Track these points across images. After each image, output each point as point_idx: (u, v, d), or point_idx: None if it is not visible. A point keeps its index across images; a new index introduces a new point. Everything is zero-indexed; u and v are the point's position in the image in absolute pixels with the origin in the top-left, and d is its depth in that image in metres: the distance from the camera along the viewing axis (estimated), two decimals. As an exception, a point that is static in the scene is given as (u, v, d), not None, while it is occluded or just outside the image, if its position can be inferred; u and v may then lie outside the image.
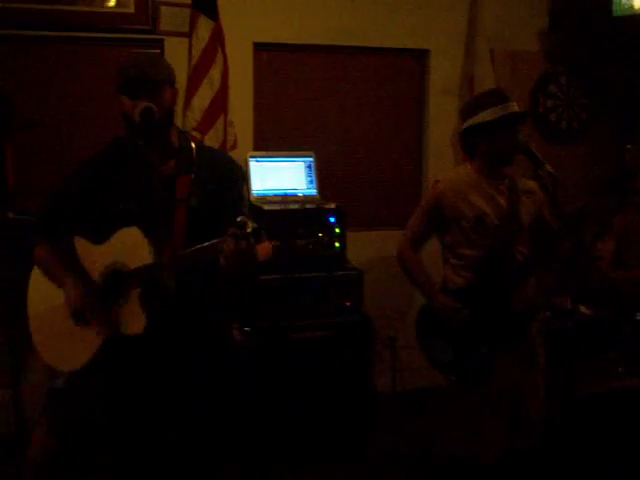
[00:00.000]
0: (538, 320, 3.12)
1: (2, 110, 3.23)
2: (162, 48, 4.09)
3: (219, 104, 4.03)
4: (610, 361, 3.51)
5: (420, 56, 4.68)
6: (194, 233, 2.36)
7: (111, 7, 3.95)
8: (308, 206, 4.02)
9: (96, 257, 2.38)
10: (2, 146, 3.19)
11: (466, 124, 3.03)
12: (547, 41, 4.84)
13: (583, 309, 3.62)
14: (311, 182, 4.27)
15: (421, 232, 3.16)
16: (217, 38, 4.00)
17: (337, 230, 4.03)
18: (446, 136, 4.69)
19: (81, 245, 2.42)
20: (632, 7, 4.48)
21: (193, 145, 2.49)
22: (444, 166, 4.63)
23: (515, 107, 2.95)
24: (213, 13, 3.98)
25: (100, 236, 2.39)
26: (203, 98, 4.00)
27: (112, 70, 3.92)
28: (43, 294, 2.48)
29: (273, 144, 4.39)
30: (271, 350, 3.73)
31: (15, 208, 3.43)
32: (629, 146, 3.27)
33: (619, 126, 5.06)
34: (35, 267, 2.51)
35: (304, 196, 4.18)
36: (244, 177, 2.64)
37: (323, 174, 4.32)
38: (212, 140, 3.99)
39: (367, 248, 4.47)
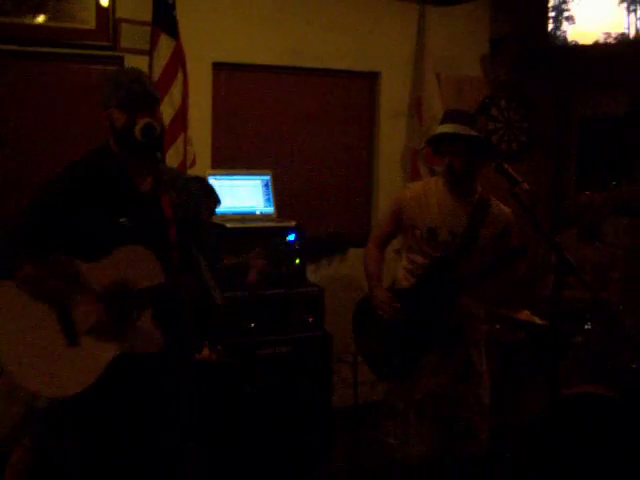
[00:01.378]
0: (480, 332, 3.24)
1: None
2: (122, 65, 4.05)
3: (179, 122, 4.05)
4: (562, 370, 3.72)
5: (371, 78, 4.83)
6: (183, 252, 2.40)
7: (72, 23, 3.90)
8: (269, 224, 4.09)
9: (91, 275, 2.27)
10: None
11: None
12: (488, 67, 5.09)
13: (538, 320, 3.81)
14: (268, 200, 4.32)
15: (386, 231, 3.31)
16: (178, 57, 4.01)
17: (297, 247, 4.11)
18: (396, 155, 4.85)
19: (70, 263, 2.28)
20: (566, 39, 4.79)
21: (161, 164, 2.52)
22: (393, 184, 4.81)
23: (464, 130, 3.01)
24: (174, 31, 3.99)
25: (89, 253, 2.28)
26: (164, 116, 3.99)
27: (72, 85, 4.02)
28: (17, 318, 2.25)
29: (231, 162, 4.43)
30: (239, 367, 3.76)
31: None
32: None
33: (554, 148, 5.37)
34: (2, 283, 2.25)
35: (262, 214, 4.23)
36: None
37: (279, 192, 4.38)
38: (172, 158, 4.00)
39: (323, 265, 4.55)
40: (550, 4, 4.73)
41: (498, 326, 4.12)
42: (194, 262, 2.09)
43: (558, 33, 4.78)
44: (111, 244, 2.29)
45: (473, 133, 3.04)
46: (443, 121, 3.12)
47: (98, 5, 3.97)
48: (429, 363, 3.11)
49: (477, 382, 3.17)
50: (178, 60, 4.01)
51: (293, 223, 4.12)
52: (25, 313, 2.26)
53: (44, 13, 3.87)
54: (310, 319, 4.02)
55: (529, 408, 3.67)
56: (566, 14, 4.71)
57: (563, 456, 3.30)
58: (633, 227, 4.76)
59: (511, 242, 3.18)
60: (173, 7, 3.97)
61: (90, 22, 3.96)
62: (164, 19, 3.98)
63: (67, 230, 2.32)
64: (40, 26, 3.86)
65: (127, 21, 4.03)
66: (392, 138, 4.83)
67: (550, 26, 4.76)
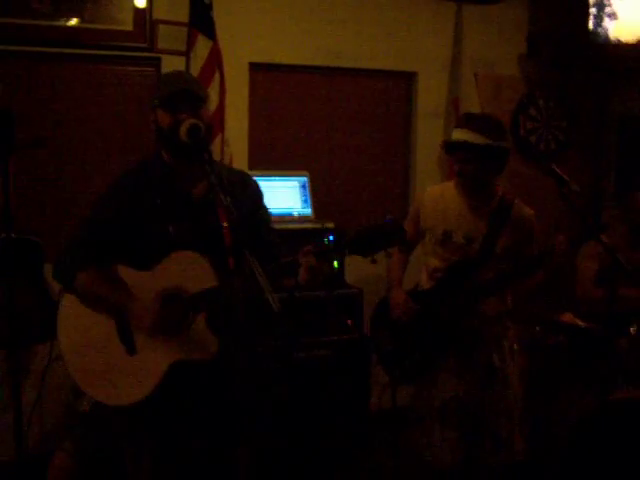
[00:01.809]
0: (505, 337, 3.15)
1: (5, 126, 3.13)
2: (159, 66, 4.06)
3: (216, 123, 4.01)
4: (604, 374, 3.64)
5: (408, 78, 4.78)
6: (238, 256, 2.35)
7: (110, 25, 3.90)
8: (307, 225, 4.05)
9: (144, 283, 2.29)
10: (5, 164, 3.09)
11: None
12: (526, 66, 5.00)
13: (581, 323, 3.73)
14: (306, 201, 4.28)
15: (409, 235, 3.18)
16: (215, 57, 3.99)
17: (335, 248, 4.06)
18: (433, 157, 4.77)
19: (124, 272, 2.33)
20: (607, 36, 4.70)
21: (219, 166, 2.47)
22: (430, 186, 4.72)
23: (478, 139, 2.91)
24: (211, 32, 3.98)
25: (143, 262, 2.31)
26: (201, 117, 4.00)
27: (110, 88, 4.01)
28: (81, 327, 2.34)
29: (267, 163, 4.40)
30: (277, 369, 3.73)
31: (15, 228, 3.35)
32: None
33: (593, 148, 5.27)
34: (64, 300, 2.36)
35: (299, 215, 4.19)
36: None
37: (315, 193, 4.34)
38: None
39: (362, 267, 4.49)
40: (591, 1, 4.64)
41: (538, 328, 4.05)
42: (249, 264, 2.05)
43: (599, 30, 4.69)
44: (164, 252, 2.29)
45: (482, 141, 2.91)
46: (457, 126, 3.03)
47: (135, 7, 3.96)
48: (448, 368, 3.05)
49: (502, 387, 3.08)
50: (215, 61, 3.99)
51: (332, 225, 4.08)
52: (88, 323, 2.33)
53: (82, 15, 3.87)
54: (349, 321, 3.99)
55: (573, 413, 3.59)
56: (608, 10, 4.62)
57: (610, 463, 3.24)
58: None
59: (531, 246, 3.09)
60: (210, 8, 3.95)
61: (127, 24, 3.95)
62: (201, 20, 3.96)
63: (121, 240, 2.34)
64: (78, 28, 3.87)
65: (164, 22, 4.02)
66: (429, 138, 4.75)
67: (591, 23, 4.66)
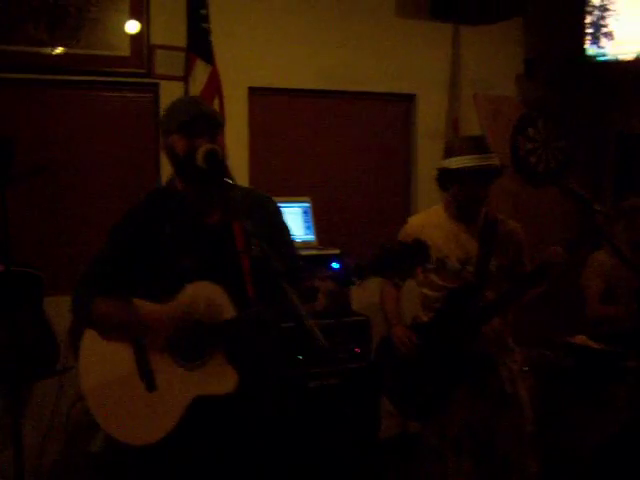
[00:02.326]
0: (514, 360, 3.12)
1: (3, 154, 3.04)
2: (157, 92, 3.99)
3: (217, 149, 3.95)
4: (614, 395, 3.58)
5: (407, 100, 4.74)
6: (258, 282, 2.27)
7: (106, 50, 3.82)
8: (312, 252, 3.96)
9: (160, 316, 2.21)
10: (2, 193, 2.99)
11: (441, 164, 3.09)
12: (523, 86, 5.00)
13: (594, 344, 3.66)
14: (309, 227, 4.20)
15: None
16: (214, 82, 3.93)
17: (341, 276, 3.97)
18: (433, 179, 4.71)
19: (139, 305, 2.24)
20: (604, 54, 4.70)
21: (236, 189, 2.38)
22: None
23: (487, 160, 2.94)
24: (209, 57, 3.92)
25: (158, 294, 2.23)
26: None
27: (107, 114, 3.93)
28: (102, 365, 2.26)
29: (269, 189, 4.30)
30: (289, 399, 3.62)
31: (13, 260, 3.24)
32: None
33: (592, 166, 5.26)
34: (85, 339, 2.29)
35: (303, 242, 4.10)
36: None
37: (317, 219, 4.26)
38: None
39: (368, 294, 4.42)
40: (587, 21, 4.65)
41: (548, 352, 3.99)
42: (280, 292, 1.96)
43: (596, 49, 4.69)
44: (179, 283, 2.21)
45: (494, 161, 2.98)
46: (463, 153, 2.97)
47: (133, 32, 3.89)
48: (461, 397, 2.98)
49: (515, 411, 3.02)
50: (214, 86, 3.93)
51: (337, 251, 4.00)
52: (108, 361, 2.26)
53: (78, 41, 3.78)
54: (357, 349, 3.89)
55: (589, 436, 3.52)
56: (604, 30, 4.63)
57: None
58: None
59: (523, 259, 3.09)
60: (208, 32, 3.90)
61: (124, 49, 3.88)
62: (199, 44, 3.91)
63: (134, 273, 2.27)
64: (74, 55, 3.78)
65: (162, 47, 3.95)
66: (429, 160, 4.68)
67: (588, 43, 4.66)
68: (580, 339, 3.76)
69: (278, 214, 2.47)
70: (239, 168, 4.15)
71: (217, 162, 2.19)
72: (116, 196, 3.97)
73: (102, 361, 2.25)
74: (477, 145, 2.99)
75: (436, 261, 3.01)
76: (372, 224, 4.73)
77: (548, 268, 2.89)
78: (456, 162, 2.98)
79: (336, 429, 3.79)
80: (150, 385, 2.20)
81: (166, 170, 3.95)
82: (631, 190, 4.96)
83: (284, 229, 2.47)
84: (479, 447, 2.96)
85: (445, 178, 3.09)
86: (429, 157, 4.72)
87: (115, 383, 2.23)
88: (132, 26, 3.91)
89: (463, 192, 3.00)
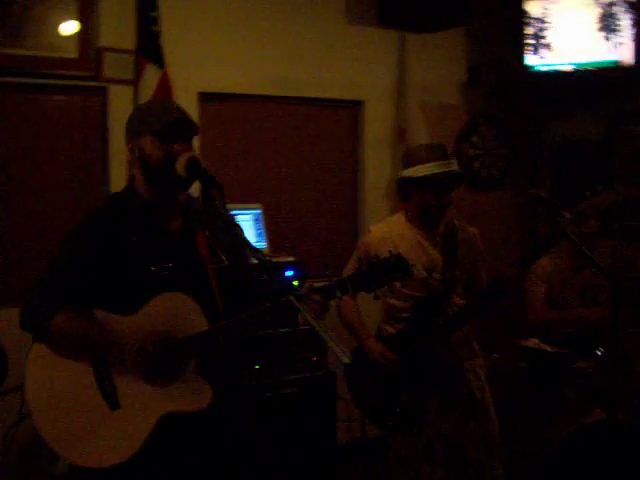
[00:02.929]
0: (480, 366, 3.19)
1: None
2: (106, 96, 3.86)
3: (168, 155, 3.85)
4: (565, 397, 3.68)
5: (355, 107, 4.75)
6: (226, 294, 2.21)
7: (53, 52, 3.67)
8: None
9: (127, 329, 2.07)
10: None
11: (403, 173, 3.09)
12: (467, 94, 5.10)
13: (548, 348, 3.75)
14: (260, 235, 4.15)
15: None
16: (165, 86, 3.83)
17: (296, 283, 3.95)
18: (382, 184, 4.76)
19: (103, 317, 2.09)
20: (544, 65, 4.84)
21: (194, 200, 2.30)
22: (380, 214, 4.71)
23: (449, 166, 2.98)
24: (160, 60, 3.82)
25: (123, 305, 2.10)
26: (151, 150, 3.81)
27: (53, 118, 3.76)
28: (52, 382, 2.07)
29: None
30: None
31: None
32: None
33: (531, 174, 5.41)
34: (32, 353, 2.09)
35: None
36: None
37: (268, 224, 4.22)
38: (162, 192, 3.80)
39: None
40: (527, 32, 4.77)
41: (496, 355, 4.06)
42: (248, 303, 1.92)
43: (536, 60, 4.83)
44: (146, 293, 2.09)
45: (456, 167, 3.02)
46: (426, 159, 2.99)
47: (80, 33, 3.75)
48: (433, 405, 3.00)
49: (484, 416, 3.09)
50: (165, 90, 3.83)
51: (291, 258, 3.97)
52: (60, 377, 2.08)
53: (23, 42, 3.61)
54: (314, 358, 3.87)
55: (544, 438, 3.60)
56: (543, 41, 4.77)
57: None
58: (615, 250, 4.81)
59: (479, 263, 3.16)
60: (158, 35, 3.81)
61: (72, 51, 3.73)
62: (149, 47, 3.81)
63: (96, 283, 2.11)
64: (20, 56, 3.61)
65: (111, 50, 3.82)
66: (377, 167, 4.75)
67: (528, 53, 4.80)
68: (533, 342, 3.83)
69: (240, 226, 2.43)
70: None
71: (198, 171, 2.13)
72: (63, 203, 3.82)
73: (54, 377, 2.07)
74: (438, 153, 3.02)
75: (374, 258, 2.99)
76: (322, 230, 4.72)
77: (501, 284, 2.94)
78: (420, 170, 2.98)
79: (294, 437, 3.76)
80: (113, 402, 2.05)
81: (116, 175, 3.88)
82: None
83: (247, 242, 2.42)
84: (451, 454, 2.98)
85: (407, 187, 3.09)
86: (377, 164, 4.77)
87: (70, 401, 2.05)
88: (71, 26, 3.77)
89: (427, 200, 3.01)
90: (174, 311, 2.09)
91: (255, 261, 1.94)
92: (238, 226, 2.02)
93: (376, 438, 3.86)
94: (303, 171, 4.62)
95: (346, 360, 1.69)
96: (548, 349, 3.78)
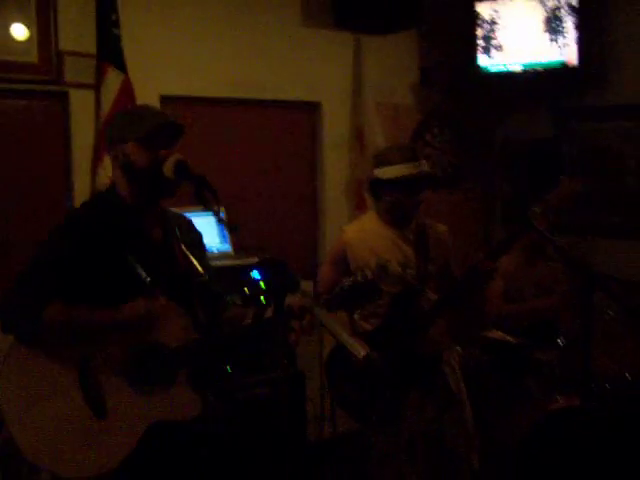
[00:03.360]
0: (452, 358, 3.29)
1: None
2: (67, 101, 3.81)
3: (132, 159, 3.82)
4: (529, 386, 3.81)
5: (312, 109, 4.81)
6: (205, 305, 2.23)
7: (12, 56, 3.59)
8: (231, 262, 3.90)
9: (108, 335, 2.06)
10: None
11: (375, 174, 3.15)
12: (420, 95, 5.21)
13: (512, 339, 3.87)
14: (223, 237, 4.14)
15: (334, 279, 3.08)
16: (127, 90, 3.80)
17: (262, 285, 3.96)
18: (341, 185, 4.83)
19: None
20: (494, 65, 4.99)
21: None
22: (340, 215, 4.79)
23: (419, 167, 3.06)
24: (122, 64, 3.78)
25: (105, 307, 2.07)
26: (114, 155, 3.77)
27: (11, 123, 3.68)
28: (32, 386, 2.01)
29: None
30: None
31: None
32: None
33: (482, 172, 5.56)
34: (11, 354, 2.02)
35: (219, 252, 4.04)
36: None
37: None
38: (127, 197, 3.76)
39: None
40: (478, 33, 4.91)
41: (458, 348, 4.15)
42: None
43: (487, 60, 4.97)
44: (128, 296, 2.07)
45: (426, 168, 3.11)
46: (392, 162, 3.07)
47: (40, 36, 3.67)
48: (412, 401, 3.07)
49: (460, 408, 3.18)
50: (128, 94, 3.79)
51: (256, 259, 3.98)
52: (44, 381, 2.02)
53: (-21, 45, 3.54)
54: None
55: (510, 428, 3.72)
56: (494, 43, 4.91)
57: (559, 471, 3.38)
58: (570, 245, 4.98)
59: (449, 260, 3.25)
60: (119, 39, 3.77)
61: (31, 55, 3.65)
62: (110, 51, 3.75)
63: (77, 287, 2.08)
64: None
65: (71, 54, 3.76)
66: (336, 168, 4.81)
67: (479, 54, 4.93)
68: (496, 334, 3.96)
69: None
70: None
71: (187, 173, 2.16)
72: (18, 212, 3.73)
73: (34, 379, 2.02)
74: (408, 153, 3.10)
75: (377, 267, 3.06)
76: (282, 231, 4.73)
77: (477, 273, 3.04)
78: (389, 172, 3.06)
79: (265, 437, 3.77)
80: (100, 411, 2.02)
81: (79, 184, 3.82)
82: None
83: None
84: (430, 447, 3.05)
85: (378, 188, 3.17)
86: (336, 165, 4.84)
87: (51, 410, 2.00)
88: (30, 30, 3.69)
89: (398, 200, 3.09)
90: (163, 319, 2.08)
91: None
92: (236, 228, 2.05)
93: (345, 436, 3.95)
94: (263, 172, 4.64)
95: (363, 353, 1.72)
96: (512, 340, 3.92)
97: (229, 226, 2.11)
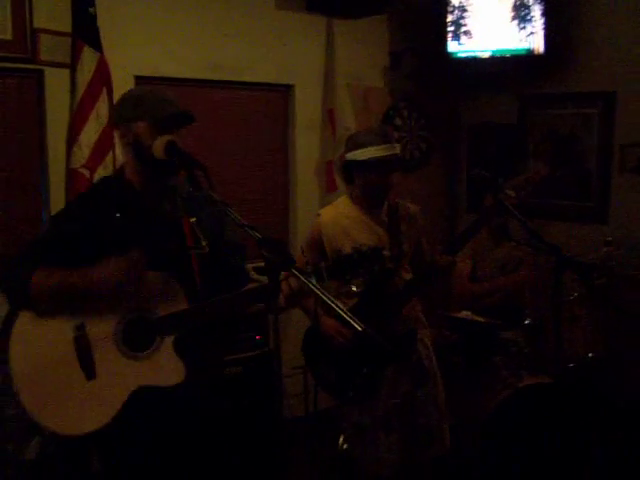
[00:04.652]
0: (426, 336, 3.39)
1: None
2: (42, 79, 3.76)
3: (107, 140, 3.80)
4: (496, 365, 3.94)
5: (285, 91, 4.84)
6: (207, 279, 2.30)
7: (-15, 34, 3.54)
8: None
9: (109, 304, 2.18)
10: None
11: (347, 157, 3.24)
12: (389, 78, 5.28)
13: (480, 319, 3.99)
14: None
15: (310, 263, 3.27)
16: (102, 70, 3.78)
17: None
18: (312, 166, 4.88)
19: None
20: (463, 51, 5.08)
21: (183, 185, 2.39)
22: (310, 196, 4.86)
23: (392, 150, 3.14)
24: (97, 44, 3.76)
25: None
26: (90, 134, 3.75)
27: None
28: (36, 350, 2.16)
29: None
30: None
31: None
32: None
33: (449, 156, 5.67)
34: (18, 322, 2.16)
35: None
36: None
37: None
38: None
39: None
40: (448, 19, 4.99)
41: (441, 328, 4.25)
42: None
43: (457, 46, 5.06)
44: None
45: (397, 150, 3.18)
46: (369, 143, 3.13)
47: (15, 14, 3.62)
48: (387, 376, 3.18)
49: (432, 384, 3.30)
50: (103, 75, 3.78)
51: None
52: (44, 346, 2.17)
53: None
54: (258, 337, 3.97)
55: (479, 405, 3.85)
56: (464, 28, 5.00)
57: (527, 445, 3.53)
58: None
59: (421, 239, 3.35)
60: (95, 18, 3.74)
61: (5, 32, 3.59)
62: (86, 30, 3.73)
63: (80, 259, 2.18)
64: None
65: (46, 31, 3.71)
66: (307, 150, 4.86)
67: (449, 40, 5.02)
68: (465, 314, 4.08)
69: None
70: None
71: (177, 153, 2.20)
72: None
73: (37, 346, 2.16)
74: (381, 136, 3.15)
75: (352, 250, 3.13)
76: (254, 213, 4.76)
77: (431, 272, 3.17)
78: (363, 154, 3.13)
79: (242, 414, 3.85)
80: (89, 373, 2.16)
81: (54, 165, 3.80)
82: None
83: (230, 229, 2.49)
84: (405, 422, 3.16)
85: (351, 170, 3.23)
86: (307, 147, 4.88)
87: (51, 369, 2.15)
88: (4, 7, 3.63)
89: (371, 182, 3.17)
90: (156, 290, 2.19)
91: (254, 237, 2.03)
92: (228, 206, 2.11)
93: (321, 413, 4.04)
94: (235, 153, 4.66)
95: (359, 328, 1.80)
96: (480, 320, 4.05)
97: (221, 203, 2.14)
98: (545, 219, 5.03)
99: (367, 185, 3.18)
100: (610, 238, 4.28)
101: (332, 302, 1.82)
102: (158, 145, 2.19)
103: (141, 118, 2.21)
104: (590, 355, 3.86)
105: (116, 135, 2.32)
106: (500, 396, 3.64)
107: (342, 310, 1.82)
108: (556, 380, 3.53)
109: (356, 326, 1.77)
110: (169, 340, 2.18)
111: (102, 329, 2.17)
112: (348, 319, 1.78)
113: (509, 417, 3.56)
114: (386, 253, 3.23)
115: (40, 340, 2.15)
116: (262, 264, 1.95)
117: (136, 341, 2.17)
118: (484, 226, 3.41)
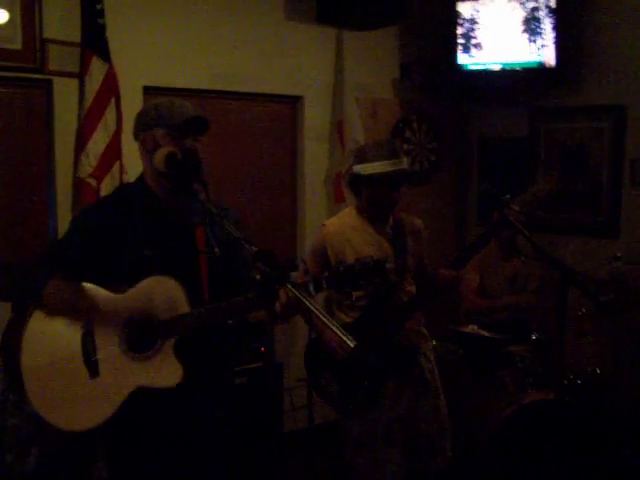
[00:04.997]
0: (428, 349, 3.38)
1: None
2: (50, 89, 3.79)
3: (114, 150, 3.82)
4: (502, 380, 3.91)
5: (294, 102, 4.84)
6: (214, 284, 2.32)
7: (-4, 43, 3.57)
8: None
9: (115, 305, 2.23)
10: None
11: (354, 170, 3.24)
12: (399, 90, 5.27)
13: (486, 333, 3.96)
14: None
15: (314, 273, 3.15)
16: (111, 81, 3.80)
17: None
18: (320, 178, 4.88)
19: (95, 293, 2.24)
20: (474, 63, 5.07)
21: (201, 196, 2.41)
22: (318, 207, 4.85)
23: (398, 165, 3.13)
24: (106, 54, 3.78)
25: (117, 285, 2.25)
26: (98, 144, 3.77)
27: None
28: (46, 348, 2.22)
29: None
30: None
31: None
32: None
33: (458, 168, 5.65)
34: (32, 320, 2.21)
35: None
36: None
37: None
38: (108, 187, 3.76)
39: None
40: (459, 32, 4.98)
41: (434, 342, 4.23)
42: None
43: (467, 58, 5.05)
44: (138, 275, 2.24)
45: (404, 165, 3.18)
46: (371, 159, 3.13)
47: (24, 24, 3.65)
48: (389, 389, 3.17)
49: (434, 397, 3.28)
50: (112, 85, 3.80)
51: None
52: (54, 343, 2.22)
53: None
54: (262, 349, 3.96)
55: (484, 420, 3.82)
56: (474, 41, 4.99)
57: (530, 461, 3.49)
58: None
59: (423, 253, 3.35)
60: (104, 28, 3.77)
61: (15, 42, 3.62)
62: (95, 41, 3.75)
63: (94, 262, 2.27)
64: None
65: (55, 42, 3.74)
66: (316, 162, 4.86)
67: (459, 53, 5.01)
68: (471, 328, 4.05)
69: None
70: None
71: (177, 165, 2.21)
72: (2, 200, 3.74)
73: (47, 342, 2.21)
74: (388, 151, 3.15)
75: (355, 261, 3.12)
76: (262, 224, 4.77)
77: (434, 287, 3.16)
78: (368, 168, 3.13)
79: (243, 426, 3.83)
80: (93, 371, 2.20)
81: (61, 173, 3.82)
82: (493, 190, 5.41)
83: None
84: (406, 433, 3.14)
85: (358, 183, 3.23)
86: (316, 159, 4.88)
87: (57, 365, 2.20)
88: (15, 17, 3.66)
89: (376, 196, 3.16)
90: (161, 294, 2.23)
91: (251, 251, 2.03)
92: (227, 220, 2.11)
93: (322, 426, 4.02)
94: (244, 164, 4.67)
95: (350, 344, 1.78)
96: (486, 334, 4.02)
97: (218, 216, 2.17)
98: (555, 233, 5.01)
99: (373, 199, 3.19)
100: (619, 254, 4.24)
101: (325, 317, 1.81)
102: (158, 156, 2.21)
103: (158, 124, 2.26)
104: (597, 371, 3.82)
105: (138, 143, 2.37)
106: (504, 413, 3.61)
107: (335, 326, 1.80)
108: (559, 396, 3.49)
109: (348, 342, 1.75)
110: (170, 343, 2.22)
111: (108, 330, 2.23)
112: (340, 335, 1.76)
113: (513, 433, 3.52)
114: (390, 266, 3.22)
115: (51, 337, 2.21)
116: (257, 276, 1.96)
117: (139, 343, 2.22)
118: (489, 241, 3.39)
